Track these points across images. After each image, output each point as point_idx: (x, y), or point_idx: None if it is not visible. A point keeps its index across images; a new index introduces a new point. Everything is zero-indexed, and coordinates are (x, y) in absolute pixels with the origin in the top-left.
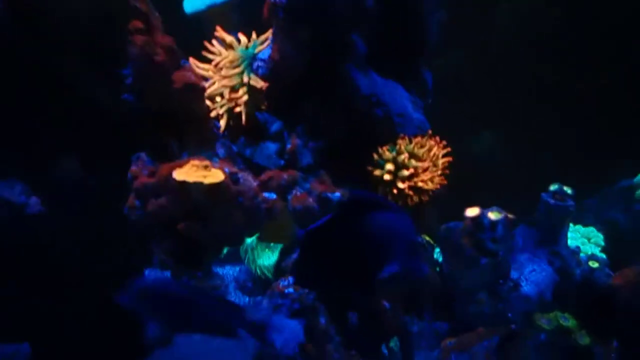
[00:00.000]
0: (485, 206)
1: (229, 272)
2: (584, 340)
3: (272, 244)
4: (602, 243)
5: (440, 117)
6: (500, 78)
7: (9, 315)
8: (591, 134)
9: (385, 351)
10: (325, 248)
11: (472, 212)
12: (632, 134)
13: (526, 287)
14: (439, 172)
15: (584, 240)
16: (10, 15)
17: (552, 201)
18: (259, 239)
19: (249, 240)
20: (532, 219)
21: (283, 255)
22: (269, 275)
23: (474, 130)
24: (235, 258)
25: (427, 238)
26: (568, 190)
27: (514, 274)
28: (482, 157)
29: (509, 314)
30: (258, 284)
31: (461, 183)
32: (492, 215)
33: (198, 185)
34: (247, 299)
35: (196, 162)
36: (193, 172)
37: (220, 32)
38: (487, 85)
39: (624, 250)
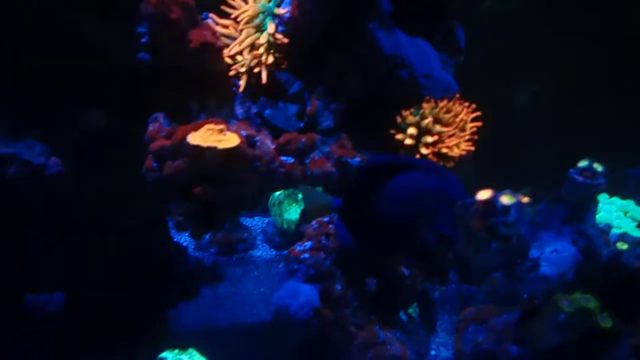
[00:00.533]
0: (510, 176)
1: (257, 224)
2: (606, 323)
3: (299, 199)
4: (639, 217)
5: (472, 76)
6: (541, 33)
7: (41, 267)
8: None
9: (404, 317)
10: (364, 214)
11: (484, 194)
12: None
13: (546, 268)
14: (466, 138)
15: (620, 214)
16: None
17: (580, 179)
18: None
19: (276, 194)
20: (558, 195)
21: (303, 217)
22: (294, 229)
23: (510, 89)
24: (264, 210)
25: None
26: (598, 167)
27: (534, 253)
28: (518, 118)
29: (524, 295)
30: (285, 236)
31: (491, 148)
32: (505, 199)
33: (212, 150)
34: (273, 252)
35: (211, 125)
36: (208, 136)
37: None
38: (525, 42)
39: None
